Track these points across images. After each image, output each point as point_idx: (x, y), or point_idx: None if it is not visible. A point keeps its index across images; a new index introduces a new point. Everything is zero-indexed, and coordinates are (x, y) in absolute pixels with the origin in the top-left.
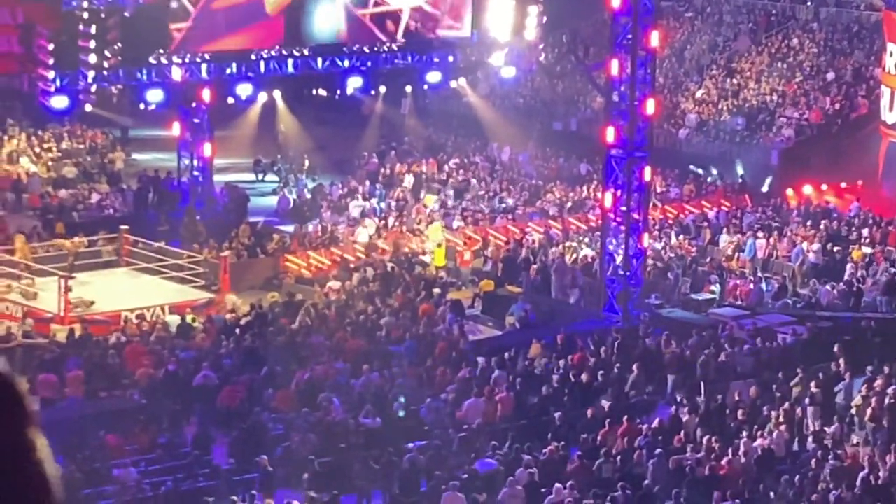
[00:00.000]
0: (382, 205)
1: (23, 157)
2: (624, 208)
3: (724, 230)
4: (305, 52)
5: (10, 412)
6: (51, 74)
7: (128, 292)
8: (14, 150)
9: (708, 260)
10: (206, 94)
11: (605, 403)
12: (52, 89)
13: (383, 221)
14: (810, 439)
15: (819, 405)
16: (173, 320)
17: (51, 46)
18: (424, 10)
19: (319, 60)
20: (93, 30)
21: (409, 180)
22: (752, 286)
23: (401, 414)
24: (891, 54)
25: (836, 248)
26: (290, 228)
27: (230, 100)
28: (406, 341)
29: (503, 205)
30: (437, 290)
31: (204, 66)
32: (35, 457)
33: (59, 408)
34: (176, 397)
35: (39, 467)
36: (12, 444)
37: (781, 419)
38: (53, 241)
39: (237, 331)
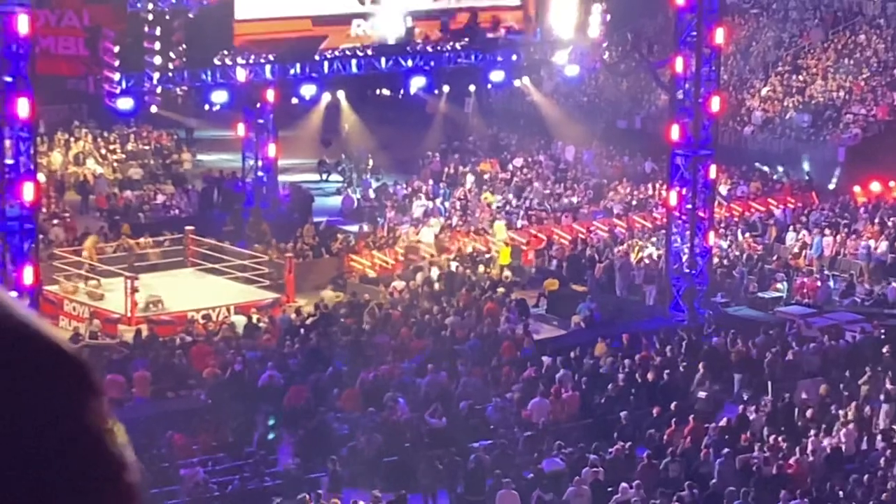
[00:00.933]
0: (446, 204)
1: (89, 158)
2: (689, 206)
3: (791, 228)
4: (369, 51)
5: (82, 393)
6: (116, 76)
7: (193, 293)
8: (80, 152)
9: (774, 258)
10: (271, 95)
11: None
12: (118, 91)
13: (447, 221)
14: (879, 438)
15: (894, 402)
16: (239, 320)
17: (116, 48)
18: (484, 9)
19: (383, 60)
20: (157, 31)
21: (472, 179)
22: (819, 284)
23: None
24: None
25: None
26: (354, 228)
27: (294, 100)
28: (470, 340)
29: (567, 203)
30: (501, 290)
31: (268, 67)
32: (111, 438)
33: (127, 408)
34: (242, 397)
35: (114, 449)
36: (86, 426)
37: (850, 418)
38: (120, 241)
39: (302, 331)
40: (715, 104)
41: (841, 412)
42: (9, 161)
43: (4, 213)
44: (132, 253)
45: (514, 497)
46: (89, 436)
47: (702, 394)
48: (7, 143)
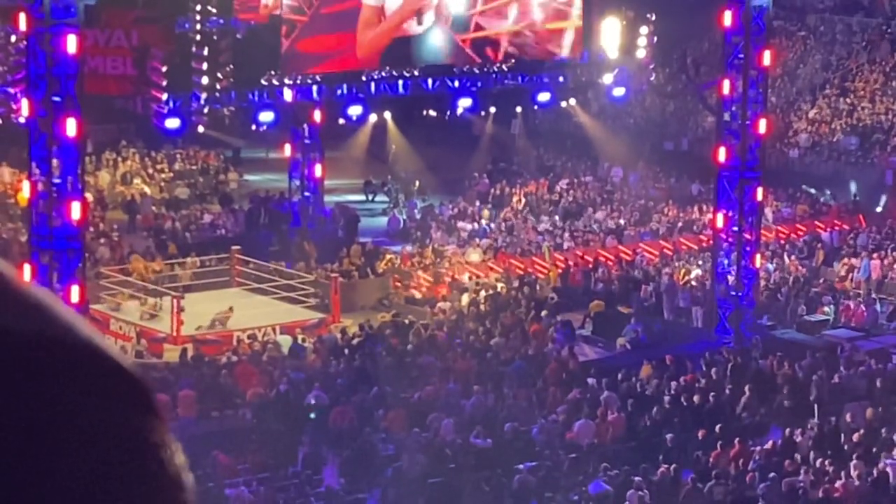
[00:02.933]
0: (493, 225)
1: (136, 178)
2: (736, 228)
3: (838, 251)
4: (416, 72)
5: (141, 412)
6: (164, 96)
7: (239, 312)
8: (128, 172)
9: (821, 281)
10: (317, 115)
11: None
12: (166, 111)
13: (493, 242)
14: None
15: None
16: (284, 340)
17: (164, 68)
18: (524, 35)
19: (430, 81)
20: (205, 52)
21: (518, 201)
22: (866, 308)
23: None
24: None
25: None
26: (399, 249)
27: (341, 120)
28: (515, 362)
29: (614, 225)
30: (546, 311)
31: (315, 88)
32: (172, 462)
33: (172, 428)
34: (287, 417)
35: (177, 474)
36: (147, 448)
37: None
38: (166, 263)
39: (347, 351)
40: (762, 126)
41: (890, 436)
42: (56, 180)
43: (52, 232)
44: (180, 274)
45: None
46: (147, 455)
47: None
48: (55, 162)
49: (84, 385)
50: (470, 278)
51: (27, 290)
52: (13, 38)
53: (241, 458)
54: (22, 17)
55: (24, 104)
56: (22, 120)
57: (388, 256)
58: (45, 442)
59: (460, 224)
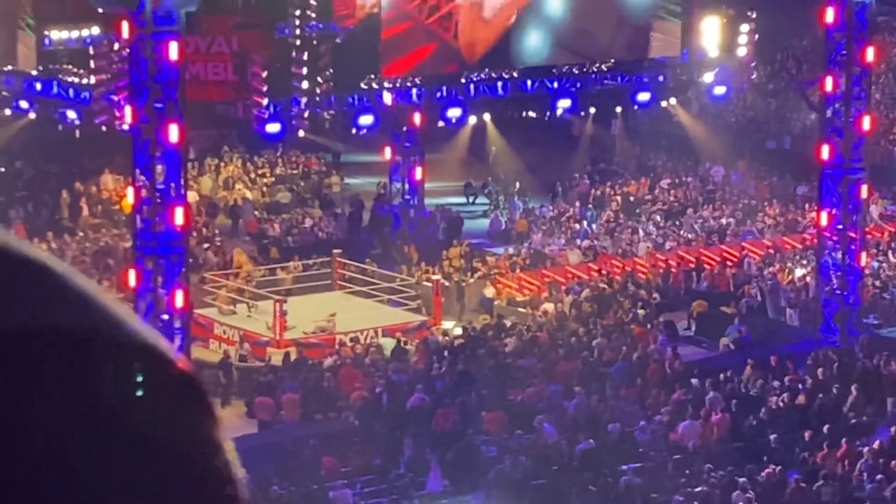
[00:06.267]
0: (594, 226)
1: (238, 183)
2: (840, 227)
3: None
4: (515, 74)
5: (194, 410)
6: (265, 101)
7: (341, 315)
8: (230, 177)
9: None
10: (417, 118)
11: None
12: (266, 116)
13: (595, 243)
14: None
15: None
16: (387, 343)
17: (265, 74)
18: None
19: (529, 82)
20: (305, 56)
21: (619, 201)
22: None
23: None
24: None
25: None
26: (501, 251)
27: (440, 123)
28: (617, 363)
29: (716, 225)
30: (641, 311)
31: (414, 91)
32: (222, 458)
33: (276, 430)
34: (390, 420)
35: (226, 468)
36: (198, 443)
37: None
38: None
39: (448, 353)
40: (865, 123)
41: None
42: (160, 186)
43: (156, 238)
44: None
45: None
46: (196, 448)
47: None
48: (158, 168)
49: (136, 381)
50: (571, 279)
51: (78, 286)
52: (116, 46)
53: (344, 461)
54: (124, 25)
55: (128, 111)
56: (125, 127)
57: (489, 259)
58: (97, 436)
59: (561, 225)
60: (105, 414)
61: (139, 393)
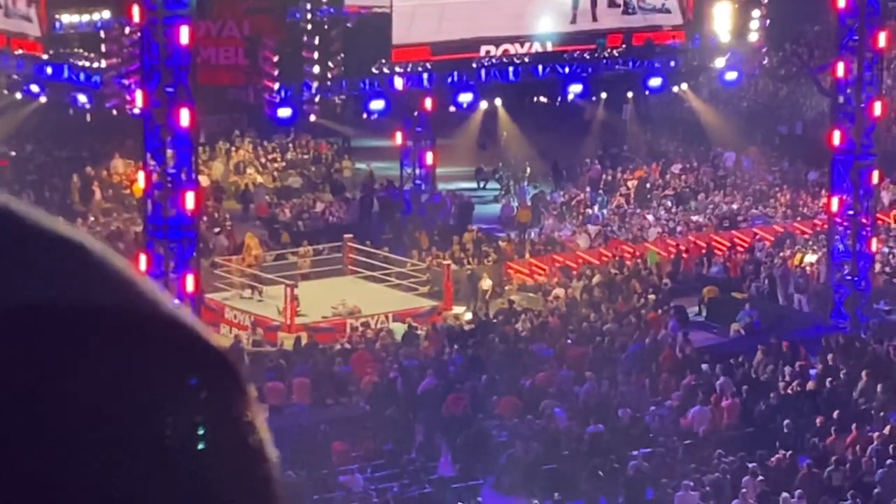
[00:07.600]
0: (604, 212)
1: (249, 167)
2: (851, 212)
3: None
4: (526, 59)
5: (228, 391)
6: (276, 86)
7: (352, 300)
8: (241, 161)
9: None
10: (428, 103)
11: None
12: (277, 100)
13: (605, 228)
14: None
15: None
16: (397, 328)
17: (276, 58)
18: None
19: (540, 67)
20: (316, 41)
21: (630, 186)
22: None
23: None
24: None
25: None
26: (512, 236)
27: (451, 108)
28: (629, 348)
29: (727, 210)
30: (651, 297)
31: (425, 76)
32: (256, 438)
33: (287, 415)
34: (401, 404)
35: (260, 449)
36: (233, 422)
37: None
38: (279, 252)
39: (459, 338)
40: (877, 109)
41: None
42: (171, 170)
43: (167, 222)
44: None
45: (693, 498)
46: (231, 427)
47: None
48: (169, 152)
49: (170, 360)
50: (582, 263)
51: (112, 264)
52: (127, 30)
53: (355, 446)
54: (135, 9)
55: (138, 95)
56: (136, 111)
57: (500, 244)
58: (132, 416)
59: (572, 210)
60: (136, 393)
61: (171, 371)
